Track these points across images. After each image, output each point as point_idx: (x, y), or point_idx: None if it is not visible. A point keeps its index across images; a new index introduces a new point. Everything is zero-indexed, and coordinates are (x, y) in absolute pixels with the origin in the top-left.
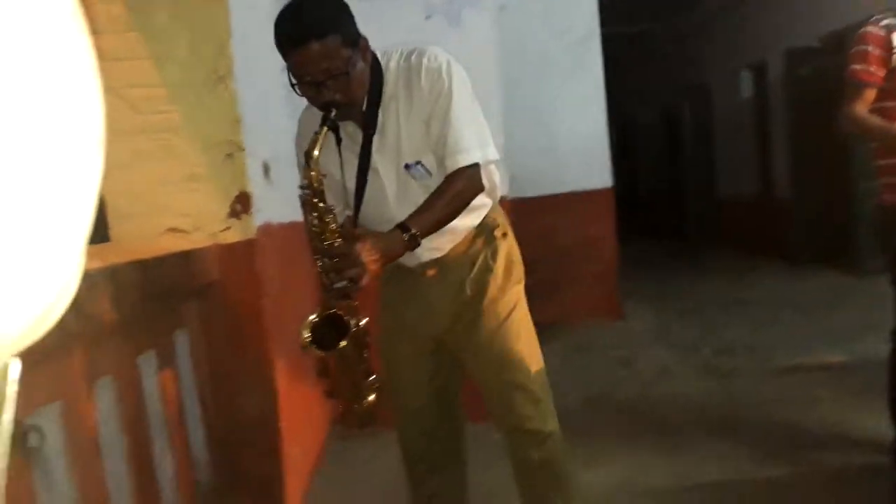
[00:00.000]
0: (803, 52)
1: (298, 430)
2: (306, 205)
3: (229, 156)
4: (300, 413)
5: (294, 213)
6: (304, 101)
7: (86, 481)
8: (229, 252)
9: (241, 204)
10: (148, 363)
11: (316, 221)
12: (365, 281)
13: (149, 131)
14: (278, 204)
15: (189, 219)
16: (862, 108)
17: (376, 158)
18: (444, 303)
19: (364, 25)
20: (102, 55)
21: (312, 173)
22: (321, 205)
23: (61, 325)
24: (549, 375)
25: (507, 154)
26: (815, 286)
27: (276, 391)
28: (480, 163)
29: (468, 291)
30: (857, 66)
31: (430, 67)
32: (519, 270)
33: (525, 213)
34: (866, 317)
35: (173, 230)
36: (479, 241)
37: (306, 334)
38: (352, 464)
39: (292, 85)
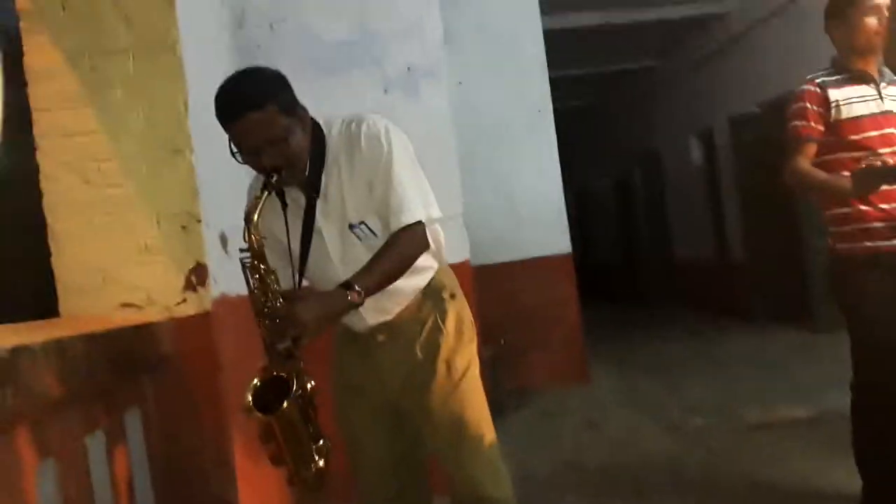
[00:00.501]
0: (745, 118)
1: None
2: (247, 268)
3: (185, 227)
4: (258, 491)
5: None
6: None
7: None
8: (185, 326)
9: (197, 276)
10: (97, 443)
11: (258, 284)
12: (305, 341)
13: (102, 205)
14: (235, 275)
15: (143, 292)
16: (805, 162)
17: (320, 221)
18: (396, 366)
19: (324, 100)
20: (56, 131)
21: (253, 237)
22: (262, 267)
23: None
24: (518, 442)
25: (468, 221)
26: (774, 343)
27: (235, 470)
28: (424, 221)
29: (419, 354)
30: (798, 123)
31: (370, 133)
32: (470, 331)
33: (488, 279)
34: (826, 371)
35: (127, 304)
36: (428, 304)
37: (248, 398)
38: None
39: (233, 154)
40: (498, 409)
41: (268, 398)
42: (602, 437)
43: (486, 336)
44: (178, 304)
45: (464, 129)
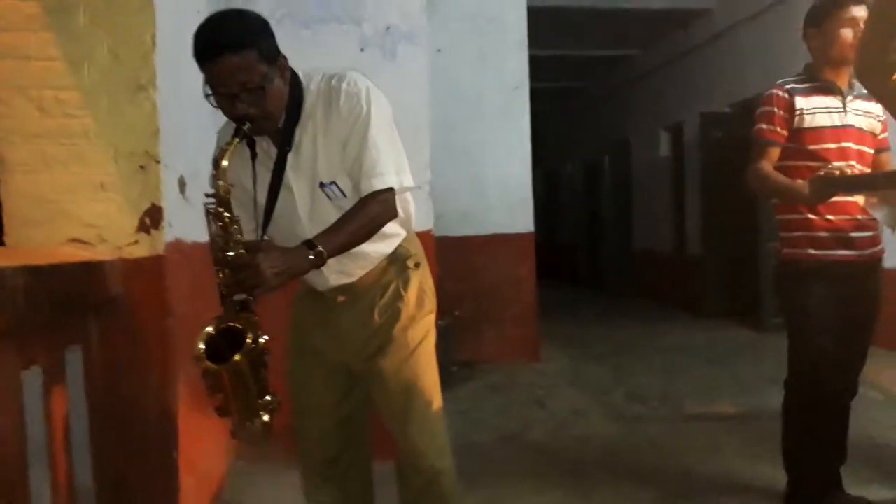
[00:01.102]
0: (716, 116)
1: (196, 460)
2: (211, 214)
3: (143, 167)
4: (199, 443)
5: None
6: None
7: None
8: (135, 267)
9: (152, 218)
10: (33, 379)
11: (221, 232)
12: (262, 292)
13: (58, 135)
14: (193, 221)
15: (94, 230)
16: (767, 166)
17: (290, 176)
18: (354, 328)
19: (299, 53)
20: (12, 53)
21: (220, 182)
22: (226, 215)
23: None
24: (465, 413)
25: (435, 192)
26: (722, 339)
27: (176, 419)
28: (395, 189)
29: (377, 318)
30: (763, 126)
31: (350, 91)
32: (431, 301)
33: (450, 251)
34: (768, 370)
35: (76, 240)
36: (392, 271)
37: (200, 346)
38: (253, 500)
39: (206, 96)
40: (446, 380)
41: (219, 348)
42: (546, 415)
43: (442, 307)
44: (130, 244)
45: (438, 98)
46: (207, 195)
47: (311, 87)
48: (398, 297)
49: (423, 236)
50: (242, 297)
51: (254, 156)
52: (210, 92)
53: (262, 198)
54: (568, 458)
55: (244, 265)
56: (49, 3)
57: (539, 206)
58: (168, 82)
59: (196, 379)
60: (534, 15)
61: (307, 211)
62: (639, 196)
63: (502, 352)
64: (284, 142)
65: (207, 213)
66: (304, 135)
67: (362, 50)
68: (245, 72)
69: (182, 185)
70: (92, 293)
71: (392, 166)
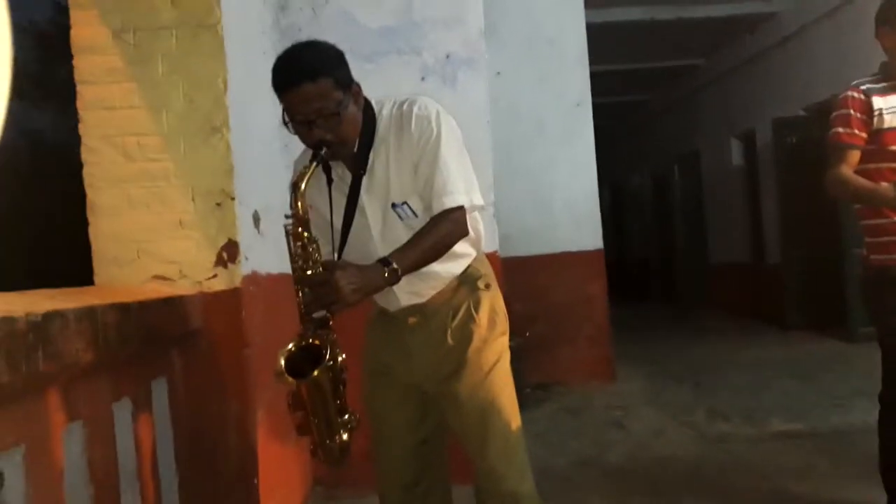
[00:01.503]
0: (790, 122)
1: (276, 486)
2: (291, 235)
3: (219, 205)
4: (279, 469)
5: (282, 265)
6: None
7: None
8: (214, 300)
9: (228, 252)
10: (123, 410)
11: (300, 251)
12: (339, 308)
13: (140, 179)
14: (267, 254)
15: (175, 266)
16: (847, 170)
17: (364, 199)
18: (426, 351)
19: (363, 85)
20: (98, 104)
21: (299, 203)
22: (305, 234)
23: (31, 366)
24: (541, 436)
25: (500, 213)
26: (808, 352)
27: (256, 446)
28: (466, 207)
29: (450, 341)
30: (841, 130)
31: (420, 115)
32: (503, 322)
33: (517, 272)
34: (858, 382)
35: (159, 277)
36: (462, 291)
37: (281, 362)
38: None
39: (284, 123)
40: (521, 403)
41: (300, 366)
42: (624, 437)
43: (512, 328)
44: (209, 279)
45: (500, 120)
46: (287, 216)
47: (384, 113)
48: (470, 318)
49: (490, 258)
50: (321, 314)
51: (329, 181)
52: (288, 120)
53: (337, 221)
54: (649, 481)
55: (323, 282)
56: (131, 55)
57: (607, 223)
58: (239, 123)
59: (274, 406)
60: (593, 31)
61: (379, 231)
62: (711, 207)
63: (576, 372)
64: (359, 166)
65: (287, 233)
66: (378, 158)
67: (423, 79)
68: (321, 99)
69: (256, 220)
70: (175, 327)
71: (462, 185)
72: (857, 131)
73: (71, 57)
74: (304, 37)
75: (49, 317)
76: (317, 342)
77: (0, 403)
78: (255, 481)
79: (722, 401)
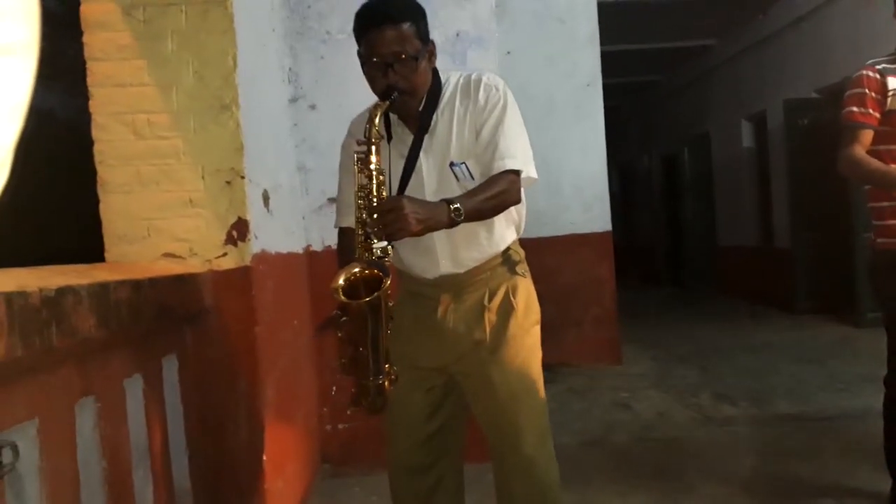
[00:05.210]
0: (801, 104)
1: (283, 464)
2: (360, 161)
3: (229, 183)
4: (286, 447)
5: (291, 244)
6: (310, 135)
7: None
8: (224, 278)
9: (238, 231)
10: (135, 386)
11: (366, 180)
12: (403, 236)
13: (151, 156)
14: (276, 233)
15: (185, 244)
16: (860, 150)
17: (422, 157)
18: (460, 329)
19: None
20: (107, 81)
21: (375, 129)
22: (373, 162)
23: (44, 340)
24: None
25: None
26: (815, 336)
27: (265, 423)
28: (522, 174)
29: (486, 323)
30: (855, 109)
31: (489, 84)
32: (537, 311)
33: (525, 253)
34: (866, 367)
35: (169, 255)
36: (500, 272)
37: (340, 280)
38: (340, 503)
39: (363, 66)
40: None
41: (356, 293)
42: (630, 418)
43: None
44: (219, 257)
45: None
46: (359, 142)
47: (451, 81)
48: (508, 302)
49: None
50: (382, 245)
51: (389, 137)
52: (363, 62)
53: (394, 179)
54: (655, 462)
55: (391, 208)
56: (140, 32)
57: (616, 204)
58: (249, 100)
59: (284, 384)
60: (604, 10)
61: (433, 191)
62: (721, 189)
63: (583, 354)
64: (423, 125)
65: (357, 160)
66: (441, 120)
67: None
68: (402, 42)
69: (265, 198)
70: (185, 304)
71: (521, 154)
72: (871, 111)
73: (81, 34)
74: (313, 14)
75: (62, 292)
76: (376, 271)
77: (14, 377)
78: (264, 458)
79: (728, 384)
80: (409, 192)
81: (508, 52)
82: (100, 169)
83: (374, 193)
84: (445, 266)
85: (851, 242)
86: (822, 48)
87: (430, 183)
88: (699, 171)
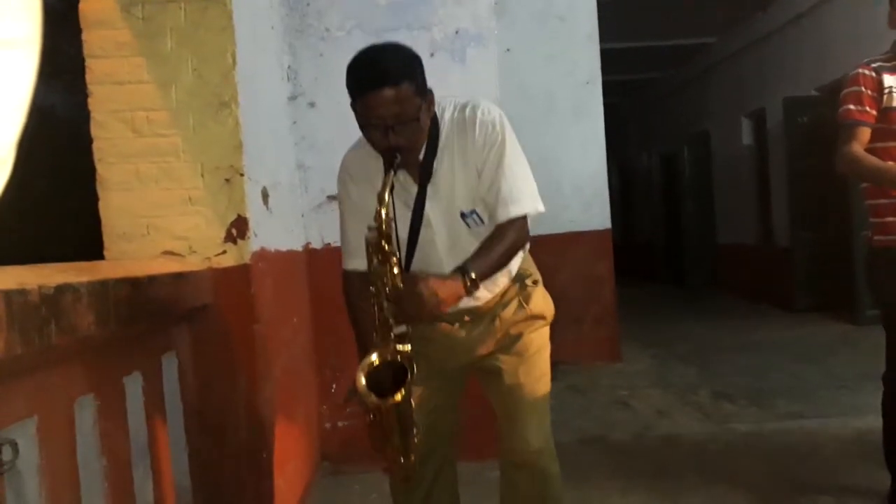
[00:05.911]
0: (801, 101)
1: (284, 461)
2: (372, 245)
3: (228, 181)
4: (286, 445)
5: (290, 242)
6: (309, 133)
7: (59, 501)
8: (224, 276)
9: (238, 229)
10: (134, 384)
11: (377, 265)
12: (424, 320)
13: (150, 154)
14: (275, 230)
15: (185, 242)
16: (858, 148)
17: (427, 206)
18: (472, 335)
19: None
20: (106, 78)
21: (384, 215)
22: (387, 247)
23: (44, 338)
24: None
25: None
26: (814, 333)
27: (265, 421)
28: (531, 214)
29: (499, 325)
30: (852, 107)
31: (484, 120)
32: (548, 313)
33: None
34: (864, 364)
35: (168, 252)
36: (512, 289)
37: (362, 380)
38: (339, 500)
39: (362, 128)
40: None
41: (378, 382)
42: (629, 416)
43: None
44: (218, 255)
45: (509, 98)
46: (370, 228)
47: (445, 117)
48: (521, 307)
49: None
50: (402, 329)
51: (391, 189)
52: (362, 123)
53: (401, 232)
54: (654, 460)
55: (408, 294)
56: (139, 30)
57: (615, 202)
58: (248, 98)
59: (283, 382)
60: (604, 8)
61: (445, 242)
62: (720, 187)
63: (582, 352)
64: (424, 175)
65: (368, 243)
66: (441, 165)
67: (432, 55)
68: (401, 103)
69: (265, 196)
70: (185, 302)
71: (527, 193)
72: (868, 108)
73: (80, 31)
74: (312, 12)
75: (61, 290)
76: (399, 360)
77: (13, 375)
78: (265, 455)
79: (727, 382)
80: (420, 247)
81: (508, 50)
82: (99, 167)
83: (389, 279)
84: (464, 302)
85: (851, 240)
86: (821, 46)
87: (441, 234)
88: (699, 168)
